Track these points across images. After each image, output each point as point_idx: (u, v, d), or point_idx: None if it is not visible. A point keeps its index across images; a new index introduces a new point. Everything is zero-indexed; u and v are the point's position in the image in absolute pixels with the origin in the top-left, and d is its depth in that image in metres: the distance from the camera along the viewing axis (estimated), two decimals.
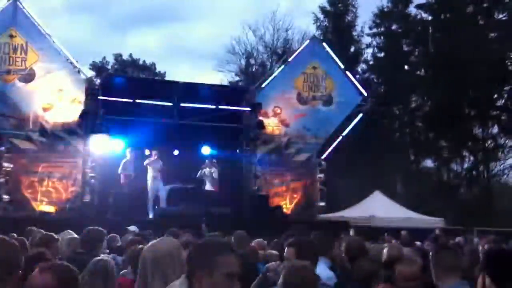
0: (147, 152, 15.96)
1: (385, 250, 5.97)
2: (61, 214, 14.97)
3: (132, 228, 9.70)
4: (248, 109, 17.78)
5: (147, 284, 2.98)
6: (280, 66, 20.03)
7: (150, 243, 3.33)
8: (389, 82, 32.35)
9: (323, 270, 4.50)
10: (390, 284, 4.15)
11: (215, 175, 16.40)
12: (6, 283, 2.80)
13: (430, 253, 4.10)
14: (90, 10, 72.62)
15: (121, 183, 15.46)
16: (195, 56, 69.52)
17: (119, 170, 15.52)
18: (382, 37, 34.57)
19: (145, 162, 15.55)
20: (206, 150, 16.97)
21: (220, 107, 17.19)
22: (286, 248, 4.40)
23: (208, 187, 16.26)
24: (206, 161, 16.56)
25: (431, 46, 32.84)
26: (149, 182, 15.49)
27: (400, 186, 32.31)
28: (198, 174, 16.36)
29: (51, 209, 15.57)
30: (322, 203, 18.51)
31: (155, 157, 15.62)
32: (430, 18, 33.48)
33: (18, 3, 16.41)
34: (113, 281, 3.95)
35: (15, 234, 7.16)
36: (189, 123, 16.73)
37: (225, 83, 37.74)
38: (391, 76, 31.68)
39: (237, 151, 17.71)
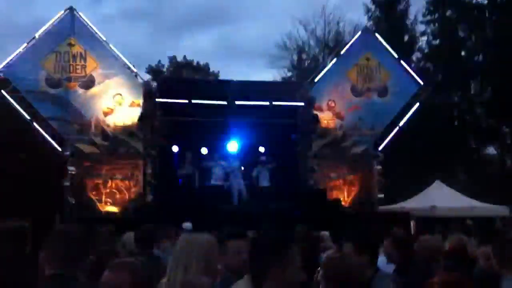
0: (204, 151, 16.22)
1: (447, 241, 5.96)
2: (125, 214, 15.48)
3: (187, 225, 9.81)
4: (302, 104, 17.80)
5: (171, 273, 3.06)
6: (332, 59, 19.93)
7: (188, 235, 3.40)
8: (446, 69, 31.49)
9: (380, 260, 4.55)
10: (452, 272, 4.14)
11: (268, 171, 16.48)
12: (75, 268, 2.93)
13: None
14: (144, 16, 74.04)
15: (181, 183, 15.82)
16: (247, 54, 69.72)
17: (179, 171, 15.90)
18: (436, 24, 33.64)
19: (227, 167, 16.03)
20: (261, 149, 17.15)
21: (274, 103, 17.29)
22: (344, 243, 4.41)
23: (265, 183, 16.38)
24: (261, 158, 16.66)
25: (488, 31, 31.81)
26: (232, 181, 15.97)
27: (461, 175, 31.53)
28: (254, 173, 16.49)
29: (115, 209, 16.11)
30: (381, 195, 18.28)
31: (234, 156, 16.10)
32: (486, 1, 32.41)
33: (75, 12, 17.01)
34: None
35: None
36: (244, 121, 16.92)
37: (278, 79, 37.79)
38: (448, 64, 30.84)
39: (293, 146, 17.73)
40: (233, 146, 16.57)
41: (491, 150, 32.40)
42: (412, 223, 14.80)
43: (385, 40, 20.05)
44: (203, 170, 16.08)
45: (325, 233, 7.92)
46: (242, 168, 16.19)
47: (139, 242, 5.61)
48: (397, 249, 4.75)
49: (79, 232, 3.11)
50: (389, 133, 19.23)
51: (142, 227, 5.81)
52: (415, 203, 17.81)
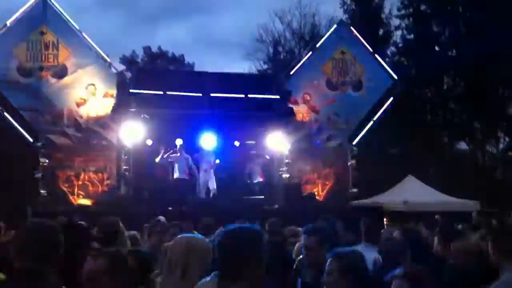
0: (179, 141, 16.06)
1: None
2: (98, 207, 15.30)
3: (160, 218, 9.68)
4: (278, 96, 17.76)
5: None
6: (308, 53, 19.94)
7: (186, 237, 3.38)
8: (420, 64, 31.81)
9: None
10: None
11: (259, 166, 16.52)
12: (47, 263, 2.87)
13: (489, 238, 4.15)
14: (119, 4, 73.33)
15: (158, 176, 15.76)
16: (223, 46, 69.44)
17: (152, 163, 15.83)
18: (411, 19, 33.96)
19: (196, 155, 15.77)
20: (237, 143, 17.18)
21: (249, 95, 17.24)
22: (304, 235, 4.39)
23: (258, 178, 16.43)
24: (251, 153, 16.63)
25: (462, 26, 32.20)
26: (200, 175, 15.72)
27: (433, 170, 31.92)
28: (247, 170, 16.50)
29: (88, 202, 15.91)
30: (355, 189, 18.40)
31: (207, 150, 15.86)
32: None
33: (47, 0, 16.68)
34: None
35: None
36: (219, 113, 16.85)
37: (254, 71, 37.79)
38: (422, 58, 31.14)
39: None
40: (207, 140, 16.41)
41: (463, 145, 32.88)
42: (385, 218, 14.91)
43: (360, 34, 20.13)
44: (170, 163, 15.91)
45: (299, 229, 7.88)
46: (216, 161, 16.05)
47: (100, 237, 5.32)
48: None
49: (53, 226, 3.06)
50: (363, 127, 19.35)
51: (103, 221, 5.51)
52: (388, 197, 17.98)
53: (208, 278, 2.62)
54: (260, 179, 16.35)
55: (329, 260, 3.32)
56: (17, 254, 2.89)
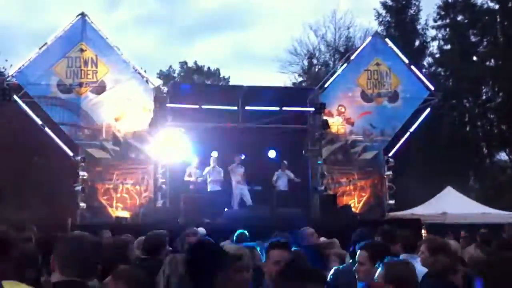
0: (214, 154, 16.20)
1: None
2: (135, 220, 15.56)
3: (200, 230, 9.83)
4: (312, 109, 17.76)
5: None
6: (342, 65, 19.90)
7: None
8: (457, 74, 31.40)
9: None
10: None
11: (287, 177, 16.49)
12: (86, 280, 2.86)
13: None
14: (156, 21, 74.58)
15: (190, 188, 15.89)
16: (258, 59, 69.83)
17: (185, 177, 15.96)
18: (447, 29, 33.60)
19: (229, 167, 15.91)
20: (272, 153, 17.21)
21: (284, 108, 17.29)
22: (358, 251, 4.39)
23: (283, 187, 16.41)
24: (283, 162, 16.67)
25: (500, 36, 31.69)
26: (233, 187, 15.85)
27: (473, 181, 31.35)
28: (275, 177, 16.48)
29: (126, 214, 16.17)
30: (392, 201, 18.14)
31: (238, 162, 15.94)
32: (497, 6, 32.30)
33: (86, 18, 17.12)
34: None
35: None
36: (254, 126, 16.95)
37: (289, 84, 37.86)
38: (459, 68, 30.74)
39: (303, 152, 17.72)
40: (242, 153, 16.49)
41: (503, 156, 32.21)
42: (423, 230, 14.72)
43: (395, 45, 19.97)
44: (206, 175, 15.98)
45: (335, 240, 7.86)
46: (242, 157, 16.11)
47: (145, 249, 5.61)
48: (433, 254, 4.80)
49: (94, 238, 3.05)
50: (400, 139, 19.13)
51: (148, 234, 5.81)
52: (426, 209, 17.74)
53: None
54: (285, 189, 16.30)
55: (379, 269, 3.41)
56: (58, 266, 2.87)
